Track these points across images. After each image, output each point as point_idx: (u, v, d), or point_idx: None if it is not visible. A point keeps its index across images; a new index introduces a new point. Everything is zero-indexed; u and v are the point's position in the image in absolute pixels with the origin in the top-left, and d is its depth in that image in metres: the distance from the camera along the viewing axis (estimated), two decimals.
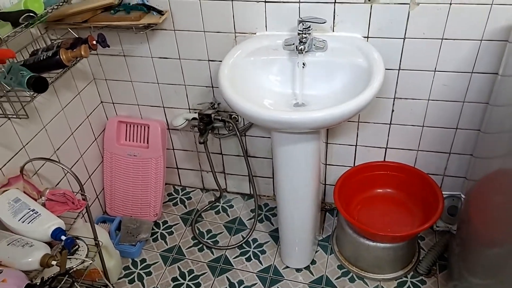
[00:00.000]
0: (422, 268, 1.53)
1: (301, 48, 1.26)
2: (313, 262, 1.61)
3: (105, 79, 1.65)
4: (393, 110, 1.47)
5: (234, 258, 1.64)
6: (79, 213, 1.30)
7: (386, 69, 1.22)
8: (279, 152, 1.32)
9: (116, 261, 1.57)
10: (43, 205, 1.22)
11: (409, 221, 1.52)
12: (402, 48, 1.32)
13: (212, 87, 1.57)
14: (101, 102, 1.72)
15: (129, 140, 1.75)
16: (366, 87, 1.13)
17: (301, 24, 1.25)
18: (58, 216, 1.17)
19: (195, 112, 1.64)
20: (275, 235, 1.71)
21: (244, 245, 1.68)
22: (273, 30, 1.38)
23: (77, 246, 1.32)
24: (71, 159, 1.58)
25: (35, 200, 1.23)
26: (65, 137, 1.53)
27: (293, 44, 1.30)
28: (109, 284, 1.47)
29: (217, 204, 1.86)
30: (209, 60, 1.50)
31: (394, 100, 1.44)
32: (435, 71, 1.34)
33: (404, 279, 1.53)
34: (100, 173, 1.77)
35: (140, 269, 1.63)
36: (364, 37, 1.33)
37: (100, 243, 1.39)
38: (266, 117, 1.11)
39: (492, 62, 1.28)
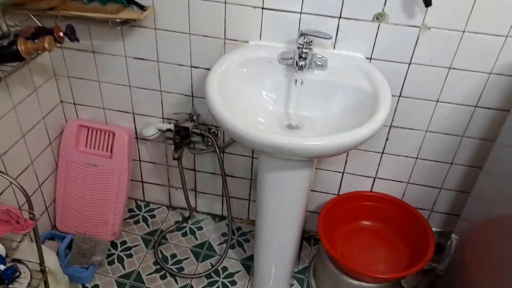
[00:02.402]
0: None
1: (301, 64, 1.13)
2: None
3: (68, 76, 1.44)
4: (387, 139, 1.36)
5: None
6: (25, 234, 1.09)
7: None
8: (267, 177, 1.18)
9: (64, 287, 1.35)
10: None
11: (395, 258, 1.41)
12: (406, 73, 1.22)
13: (192, 96, 1.41)
14: (61, 101, 1.50)
15: (90, 148, 1.54)
16: (373, 115, 1.02)
17: (302, 37, 1.13)
18: None
19: (169, 122, 1.46)
20: (247, 264, 1.55)
21: (212, 274, 1.51)
22: (268, 40, 1.24)
23: (18, 273, 1.11)
24: (20, 166, 1.36)
25: None
26: (14, 140, 1.31)
27: (291, 58, 1.17)
28: None
29: (185, 224, 1.68)
30: (191, 66, 1.34)
31: (390, 129, 1.34)
32: (437, 101, 1.25)
33: None
34: (52, 182, 1.54)
35: None
36: (367, 58, 1.22)
37: (47, 270, 1.18)
38: (260, 140, 0.97)
39: (499, 98, 1.21)
